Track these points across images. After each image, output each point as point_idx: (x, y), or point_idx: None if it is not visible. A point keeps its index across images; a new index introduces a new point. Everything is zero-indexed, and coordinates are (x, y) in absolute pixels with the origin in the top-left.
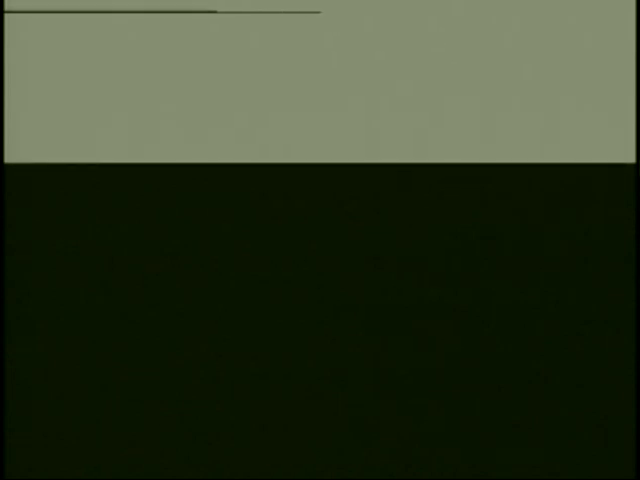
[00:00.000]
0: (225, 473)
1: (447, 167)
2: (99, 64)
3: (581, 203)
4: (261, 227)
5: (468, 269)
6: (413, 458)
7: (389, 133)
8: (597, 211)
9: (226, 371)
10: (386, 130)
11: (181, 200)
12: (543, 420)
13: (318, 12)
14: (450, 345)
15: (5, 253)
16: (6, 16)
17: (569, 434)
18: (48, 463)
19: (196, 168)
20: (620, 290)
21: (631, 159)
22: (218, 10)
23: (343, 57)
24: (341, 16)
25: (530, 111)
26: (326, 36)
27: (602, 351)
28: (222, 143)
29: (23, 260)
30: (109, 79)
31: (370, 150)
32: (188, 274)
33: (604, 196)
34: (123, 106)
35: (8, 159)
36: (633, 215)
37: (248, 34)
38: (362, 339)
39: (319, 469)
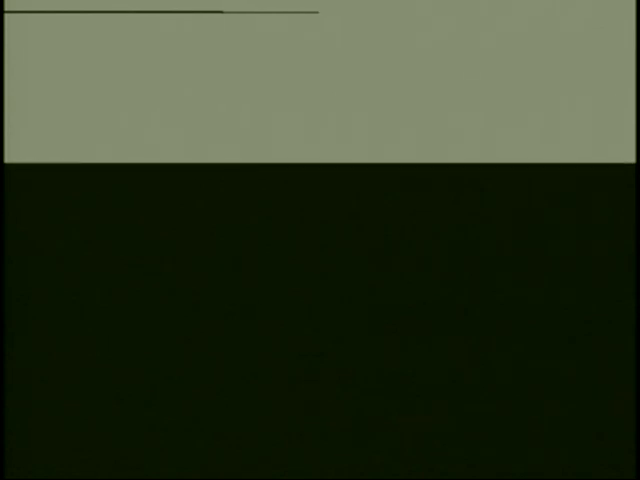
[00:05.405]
0: (225, 473)
1: (447, 167)
2: (100, 64)
3: (581, 203)
4: (261, 227)
5: (467, 268)
6: (414, 458)
7: (387, 132)
8: (597, 211)
9: (227, 370)
10: (384, 129)
11: (181, 199)
12: (543, 420)
13: (316, 12)
14: (449, 344)
15: (5, 252)
16: (6, 16)
17: (569, 434)
18: (48, 463)
19: (196, 168)
20: (620, 289)
21: (631, 159)
22: (210, 10)
23: (340, 56)
24: (338, 16)
25: (530, 111)
26: (323, 35)
27: (602, 351)
28: (222, 143)
29: (23, 259)
30: (109, 79)
31: (368, 149)
32: (188, 273)
33: (604, 196)
34: (123, 106)
35: (8, 159)
36: (633, 215)
37: (247, 34)
38: (363, 338)
39: (320, 469)
